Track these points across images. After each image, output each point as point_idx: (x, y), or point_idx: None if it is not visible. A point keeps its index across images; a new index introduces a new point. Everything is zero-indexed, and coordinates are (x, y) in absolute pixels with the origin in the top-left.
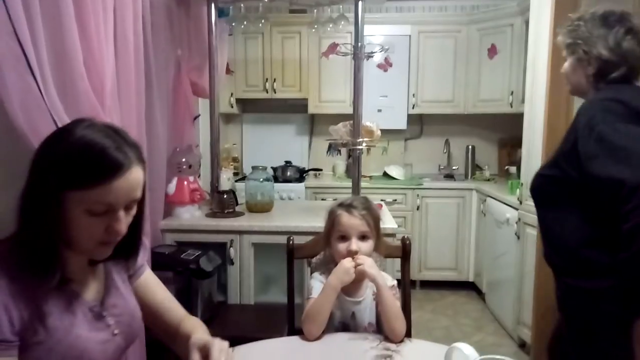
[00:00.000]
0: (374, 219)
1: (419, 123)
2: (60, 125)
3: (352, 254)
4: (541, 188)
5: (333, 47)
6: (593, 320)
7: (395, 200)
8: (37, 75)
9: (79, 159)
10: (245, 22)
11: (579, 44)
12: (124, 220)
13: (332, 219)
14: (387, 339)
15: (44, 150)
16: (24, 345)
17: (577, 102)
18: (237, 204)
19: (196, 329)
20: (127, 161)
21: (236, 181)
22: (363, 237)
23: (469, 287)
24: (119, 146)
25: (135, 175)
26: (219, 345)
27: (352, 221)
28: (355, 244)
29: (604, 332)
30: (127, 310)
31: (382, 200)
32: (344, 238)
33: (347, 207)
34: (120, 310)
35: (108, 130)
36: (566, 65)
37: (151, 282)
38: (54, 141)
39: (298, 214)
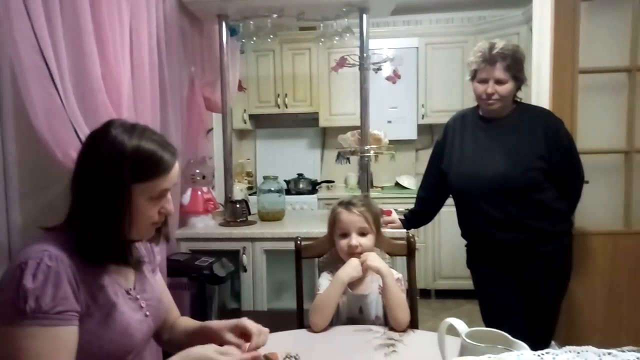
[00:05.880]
0: (373, 215)
1: (430, 133)
2: (81, 135)
3: (352, 249)
4: (533, 178)
5: (342, 62)
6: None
7: (408, 209)
8: (59, 86)
9: (145, 160)
10: (254, 38)
11: (522, 71)
12: (171, 201)
13: (333, 218)
14: (392, 329)
15: (104, 154)
16: (79, 317)
17: (581, 108)
18: (249, 214)
19: (207, 322)
20: (174, 155)
21: (250, 195)
22: (362, 233)
23: None
24: (164, 144)
25: (177, 164)
26: (253, 325)
27: (351, 218)
28: (355, 239)
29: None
30: (155, 295)
31: (394, 209)
32: (345, 235)
33: (346, 205)
34: (149, 295)
35: (147, 132)
36: (509, 87)
37: (162, 283)
38: (111, 145)
39: (309, 221)
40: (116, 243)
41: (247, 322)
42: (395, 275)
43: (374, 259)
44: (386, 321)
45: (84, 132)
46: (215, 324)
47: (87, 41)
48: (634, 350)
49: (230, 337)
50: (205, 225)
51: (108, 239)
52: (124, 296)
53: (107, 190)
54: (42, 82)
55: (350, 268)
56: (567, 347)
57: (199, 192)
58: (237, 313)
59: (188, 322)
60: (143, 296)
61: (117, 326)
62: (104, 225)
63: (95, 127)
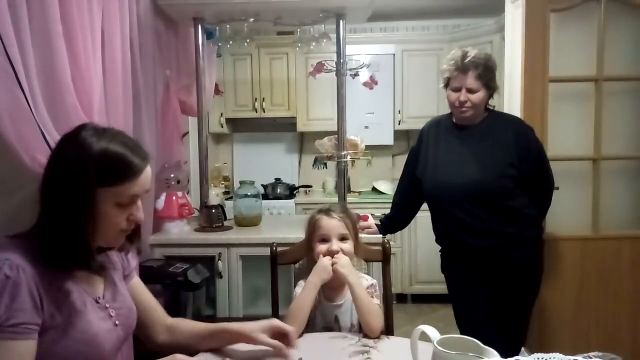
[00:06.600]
0: (352, 221)
1: (406, 138)
2: (49, 139)
3: (332, 253)
4: (504, 185)
5: (319, 67)
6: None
7: (384, 214)
8: (26, 89)
9: (111, 163)
10: (231, 42)
11: (494, 79)
12: (141, 208)
13: (312, 224)
14: (366, 336)
15: (70, 156)
16: (42, 328)
17: (551, 116)
18: (225, 219)
19: (226, 324)
20: (145, 160)
21: (226, 199)
22: (343, 239)
23: None
24: (134, 148)
25: (149, 169)
26: (287, 325)
27: (332, 223)
28: (336, 244)
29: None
30: (125, 304)
31: (371, 214)
32: (325, 240)
33: (326, 211)
34: (119, 304)
35: (118, 135)
36: (481, 95)
37: (139, 285)
38: (78, 147)
39: (285, 226)
40: (80, 249)
41: (281, 323)
42: (370, 282)
43: (345, 264)
44: (361, 328)
45: (53, 136)
46: (239, 326)
47: (56, 42)
48: (598, 357)
49: (264, 338)
50: (179, 230)
51: (72, 244)
52: (92, 305)
53: (71, 192)
54: (7, 83)
55: (320, 270)
56: (535, 355)
57: (174, 197)
58: (213, 320)
59: (196, 325)
60: (112, 305)
61: (83, 336)
62: (68, 230)
63: (66, 131)
